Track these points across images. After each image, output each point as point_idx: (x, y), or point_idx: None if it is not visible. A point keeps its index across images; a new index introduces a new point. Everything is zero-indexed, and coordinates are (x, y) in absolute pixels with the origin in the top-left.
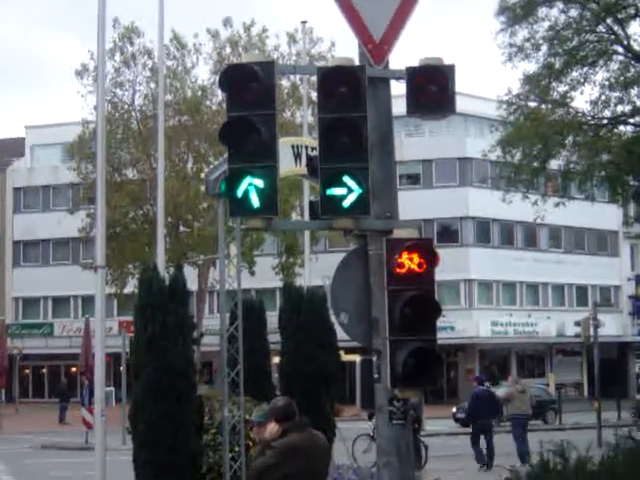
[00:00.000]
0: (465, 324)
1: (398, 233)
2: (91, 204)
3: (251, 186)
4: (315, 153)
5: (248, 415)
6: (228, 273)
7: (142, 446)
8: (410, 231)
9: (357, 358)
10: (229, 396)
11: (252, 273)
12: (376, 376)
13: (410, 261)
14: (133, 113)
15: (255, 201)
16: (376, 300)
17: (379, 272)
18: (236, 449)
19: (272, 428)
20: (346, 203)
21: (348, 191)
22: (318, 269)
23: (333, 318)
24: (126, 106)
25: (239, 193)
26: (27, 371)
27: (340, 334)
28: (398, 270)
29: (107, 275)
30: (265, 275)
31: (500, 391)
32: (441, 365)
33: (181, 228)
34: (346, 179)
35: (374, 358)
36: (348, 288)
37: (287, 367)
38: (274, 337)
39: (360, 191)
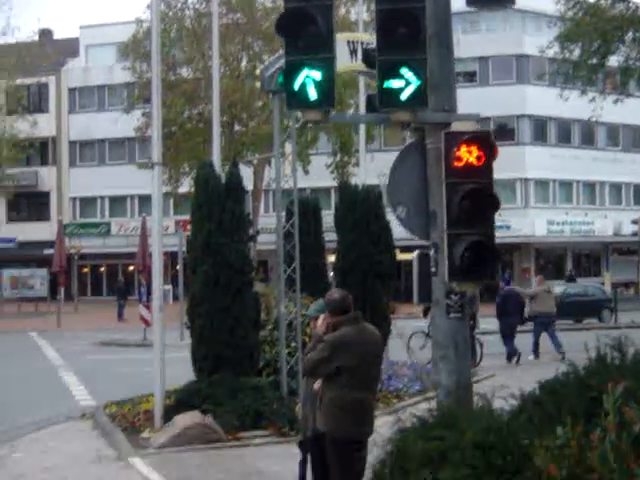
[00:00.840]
0: (521, 223)
1: (456, 126)
2: (146, 103)
3: (308, 78)
4: (372, 47)
5: (304, 311)
6: (283, 172)
7: (200, 341)
8: (468, 124)
9: (414, 253)
10: (285, 293)
11: (306, 172)
12: (433, 270)
13: (468, 154)
14: (187, 11)
15: (312, 94)
16: (434, 194)
17: (437, 166)
18: (292, 345)
19: (321, 321)
20: (404, 95)
21: (406, 83)
22: (373, 168)
23: (389, 216)
24: (180, 4)
25: (296, 86)
26: (85, 270)
27: (395, 232)
28: (456, 163)
29: (163, 174)
30: (319, 174)
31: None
32: (498, 259)
33: (236, 127)
34: (404, 71)
35: (431, 252)
36: (405, 182)
37: (342, 265)
38: (329, 236)
39: (418, 83)
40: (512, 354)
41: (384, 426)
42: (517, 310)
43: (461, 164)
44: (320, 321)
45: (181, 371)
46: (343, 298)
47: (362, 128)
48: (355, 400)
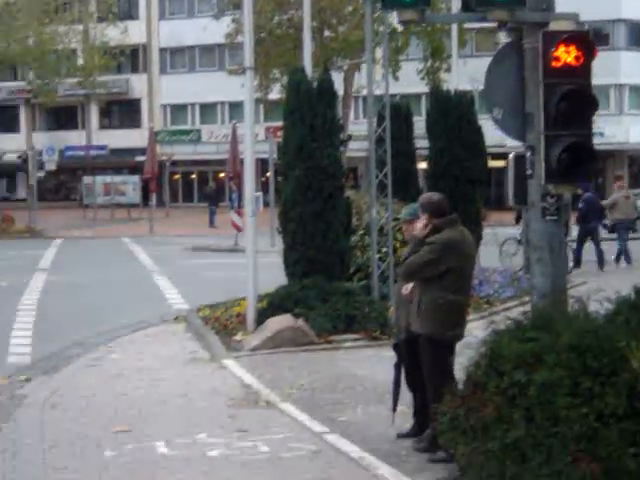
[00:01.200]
0: (615, 130)
1: (554, 26)
2: (236, 9)
3: None
4: None
5: (394, 217)
6: (374, 77)
7: (292, 245)
8: (567, 23)
9: (510, 155)
10: (376, 198)
11: (396, 78)
12: (529, 172)
13: (567, 54)
14: None
15: None
16: (531, 95)
17: (534, 66)
18: (383, 250)
19: (422, 224)
20: None
21: None
22: (465, 74)
23: (481, 121)
24: None
25: None
26: (177, 177)
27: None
28: (554, 64)
29: (253, 80)
30: (410, 80)
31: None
32: (596, 161)
33: (325, 33)
34: None
35: (527, 154)
36: (502, 83)
37: (434, 170)
38: (419, 143)
39: None
40: (579, 262)
41: (476, 329)
42: (597, 216)
43: (559, 64)
44: (420, 224)
45: (272, 276)
46: (442, 200)
47: (454, 33)
48: (454, 302)
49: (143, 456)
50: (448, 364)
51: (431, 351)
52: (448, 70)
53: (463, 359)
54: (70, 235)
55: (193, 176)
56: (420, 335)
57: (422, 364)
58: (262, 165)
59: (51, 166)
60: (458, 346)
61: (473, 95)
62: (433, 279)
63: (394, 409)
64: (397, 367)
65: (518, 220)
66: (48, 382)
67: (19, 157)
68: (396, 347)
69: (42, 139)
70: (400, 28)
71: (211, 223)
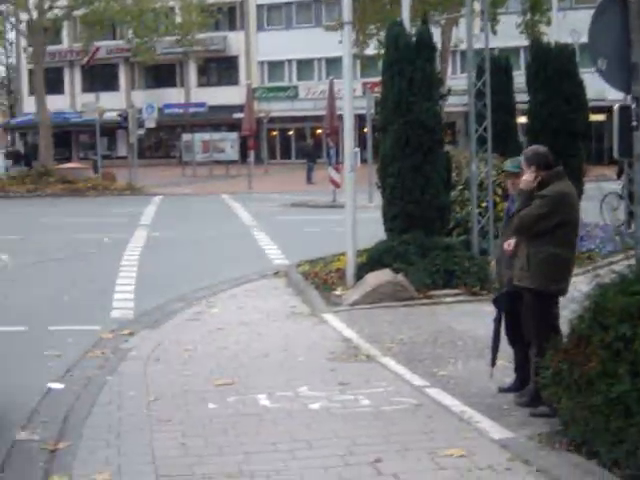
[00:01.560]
0: None
1: None
2: None
3: None
4: None
5: (495, 171)
6: (472, 31)
7: (391, 200)
8: None
9: (615, 106)
10: (476, 152)
11: (494, 32)
12: (634, 124)
13: None
14: None
15: None
16: (636, 45)
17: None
18: (483, 205)
19: (528, 177)
20: None
21: None
22: (565, 26)
23: (582, 75)
24: None
25: None
26: (274, 133)
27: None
28: None
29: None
30: (508, 34)
31: None
32: None
33: None
34: None
35: (633, 105)
36: (606, 33)
37: (534, 124)
38: (518, 97)
39: None
40: None
41: (580, 284)
42: None
43: None
44: (529, 177)
45: (370, 232)
46: (547, 153)
47: None
48: (562, 256)
49: (245, 409)
50: (553, 318)
51: (537, 305)
52: (548, 23)
53: (567, 313)
54: (169, 192)
55: (290, 133)
56: (526, 289)
57: (527, 318)
58: (359, 121)
59: (151, 124)
60: (562, 300)
61: (574, 47)
62: (542, 233)
63: (493, 364)
64: (497, 321)
65: (620, 174)
66: (151, 336)
67: (119, 115)
68: (496, 301)
69: (141, 97)
70: None
71: (309, 179)
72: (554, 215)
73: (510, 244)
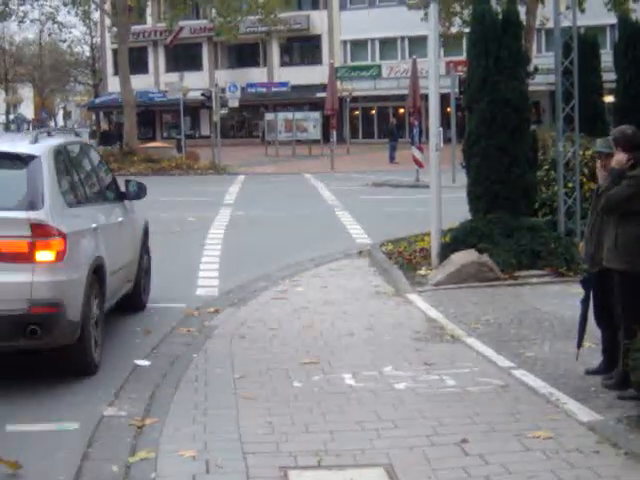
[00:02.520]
0: None
1: None
2: None
3: None
4: None
5: (581, 151)
6: (559, 9)
7: (476, 180)
8: None
9: None
10: (563, 132)
11: (582, 10)
12: None
13: None
14: None
15: None
16: None
17: None
18: (570, 185)
19: (621, 158)
20: None
21: None
22: None
23: None
24: None
25: None
26: (356, 112)
27: None
28: None
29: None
30: (594, 12)
31: None
32: None
33: None
34: None
35: None
36: None
37: (621, 104)
38: (605, 76)
39: None
40: None
41: None
42: None
43: None
44: (622, 157)
45: (454, 212)
46: (636, 133)
47: None
48: None
49: (331, 387)
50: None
51: (626, 286)
52: (636, 1)
53: None
54: (253, 171)
55: (373, 112)
56: (615, 270)
57: (617, 300)
58: (442, 100)
59: (234, 103)
60: None
61: None
62: (630, 213)
63: (579, 345)
64: (584, 303)
65: None
66: (236, 314)
67: (202, 95)
68: (584, 282)
69: (224, 76)
70: None
71: (391, 159)
72: None
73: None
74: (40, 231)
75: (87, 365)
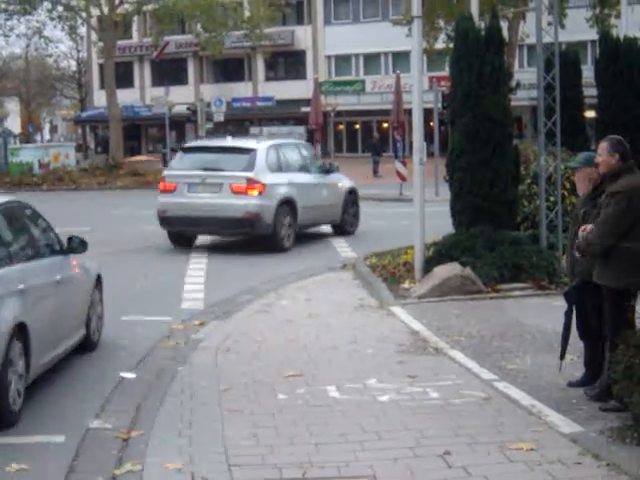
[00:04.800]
0: None
1: None
2: None
3: None
4: None
5: (563, 166)
6: (541, 25)
7: (459, 194)
8: None
9: None
10: (545, 146)
11: (562, 26)
12: None
13: None
14: None
15: None
16: None
17: None
18: (551, 199)
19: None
20: None
21: None
22: (634, 20)
23: None
24: None
25: None
26: (341, 127)
27: None
28: None
29: None
30: (575, 28)
31: None
32: None
33: None
34: None
35: None
36: None
37: (603, 119)
38: (586, 91)
39: None
40: None
41: None
42: None
43: None
44: (611, 158)
45: (437, 225)
46: (624, 141)
47: None
48: (637, 250)
49: (315, 400)
50: (630, 313)
51: (615, 301)
52: (617, 16)
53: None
54: None
55: (357, 126)
56: (601, 285)
57: (606, 314)
58: (426, 115)
59: (219, 117)
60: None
61: None
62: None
63: (562, 357)
64: (567, 315)
65: None
66: (221, 327)
67: (188, 109)
68: (567, 295)
69: (209, 91)
70: None
71: (375, 173)
72: (630, 210)
73: (586, 229)
74: None
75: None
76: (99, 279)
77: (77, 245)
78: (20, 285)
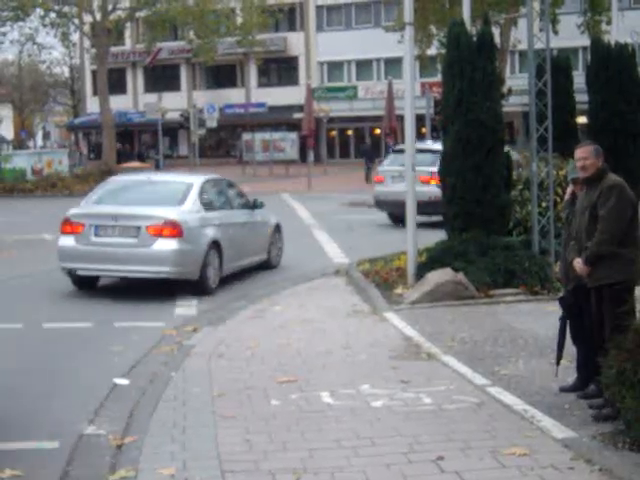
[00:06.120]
0: None
1: None
2: None
3: None
4: None
5: (555, 171)
6: (532, 31)
7: (452, 199)
8: None
9: None
10: (537, 152)
11: (556, 32)
12: None
13: None
14: None
15: None
16: None
17: None
18: (543, 204)
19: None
20: None
21: None
22: (625, 26)
23: None
24: None
25: None
26: (333, 133)
27: None
28: None
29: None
30: (566, 34)
31: None
32: None
33: None
34: None
35: None
36: None
37: (594, 124)
38: (577, 97)
39: None
40: None
41: None
42: None
43: None
44: (597, 162)
45: (430, 230)
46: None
47: None
48: (628, 251)
49: (308, 406)
50: (631, 309)
51: (615, 297)
52: (608, 23)
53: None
54: None
55: (349, 132)
56: (598, 289)
57: (607, 316)
58: (418, 121)
59: (212, 124)
60: None
61: (634, 47)
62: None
63: (558, 362)
64: (563, 320)
65: None
66: (214, 333)
67: (181, 115)
68: (562, 300)
69: (202, 97)
70: None
71: (367, 179)
72: (629, 201)
73: (579, 263)
74: None
75: None
76: (278, 226)
77: (258, 204)
78: (216, 221)
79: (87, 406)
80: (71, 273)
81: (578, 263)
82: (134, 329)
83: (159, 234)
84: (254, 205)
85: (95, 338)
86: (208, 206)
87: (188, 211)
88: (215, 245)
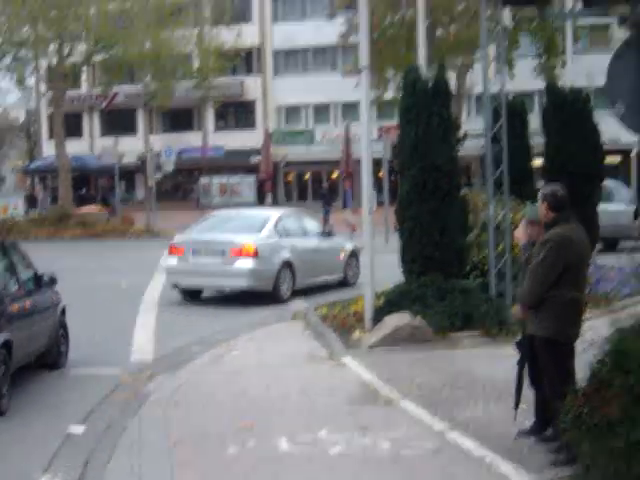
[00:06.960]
0: None
1: None
2: (348, 9)
3: None
4: None
5: (511, 214)
6: (488, 76)
7: (409, 243)
8: None
9: (633, 152)
10: (493, 195)
11: (511, 76)
12: None
13: None
14: None
15: None
16: None
17: None
18: (500, 247)
19: (523, 229)
20: None
21: None
22: (579, 70)
23: (597, 118)
24: None
25: None
26: (291, 177)
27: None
28: None
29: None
30: (521, 78)
31: None
32: None
33: (438, 32)
34: None
35: None
36: (624, 78)
37: (550, 167)
38: (532, 140)
39: None
40: None
41: (596, 327)
42: None
43: None
44: (522, 229)
45: (386, 274)
46: (564, 196)
47: (569, 29)
48: (572, 300)
49: (266, 453)
50: (568, 364)
51: (550, 353)
52: (563, 66)
53: (587, 356)
54: None
55: (307, 176)
56: (537, 337)
57: (541, 365)
58: (375, 164)
59: (169, 167)
60: (580, 344)
61: (588, 91)
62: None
63: (516, 406)
64: (520, 364)
65: (637, 216)
66: (171, 379)
67: (138, 159)
68: (518, 344)
69: (159, 141)
70: (511, 25)
71: (326, 222)
72: (561, 258)
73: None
74: None
75: None
76: (354, 251)
77: (329, 231)
78: (289, 246)
79: (42, 455)
80: (176, 286)
81: (516, 308)
82: (89, 376)
83: (239, 255)
84: (328, 233)
85: (49, 385)
86: (282, 233)
87: (264, 237)
88: (287, 264)
